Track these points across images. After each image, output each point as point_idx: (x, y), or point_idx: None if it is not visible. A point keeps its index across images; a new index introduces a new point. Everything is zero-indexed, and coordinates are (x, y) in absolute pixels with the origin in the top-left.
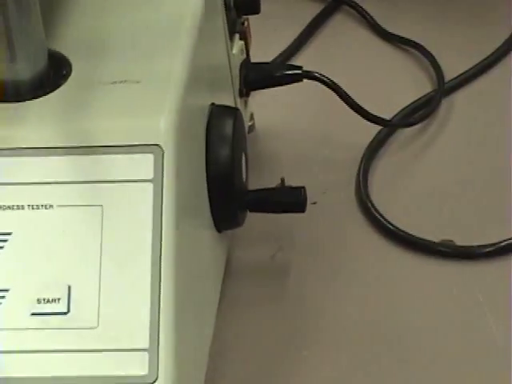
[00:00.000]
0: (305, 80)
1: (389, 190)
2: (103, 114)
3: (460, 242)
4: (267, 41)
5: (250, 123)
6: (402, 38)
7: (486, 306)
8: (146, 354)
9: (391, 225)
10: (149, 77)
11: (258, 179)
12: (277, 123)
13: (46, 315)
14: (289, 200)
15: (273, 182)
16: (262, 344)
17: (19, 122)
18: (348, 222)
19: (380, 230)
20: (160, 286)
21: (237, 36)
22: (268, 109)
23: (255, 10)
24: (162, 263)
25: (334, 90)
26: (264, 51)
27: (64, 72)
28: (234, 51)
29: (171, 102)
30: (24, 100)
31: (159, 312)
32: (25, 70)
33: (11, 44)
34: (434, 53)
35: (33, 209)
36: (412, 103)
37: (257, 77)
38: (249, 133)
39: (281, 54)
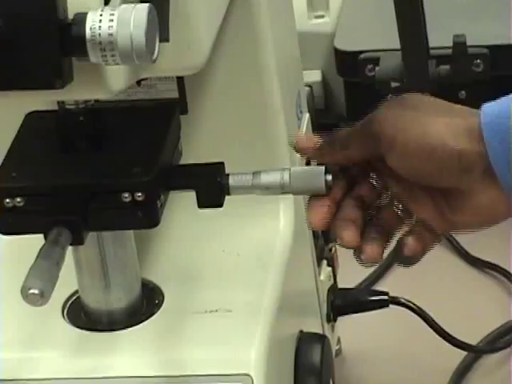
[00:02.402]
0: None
1: None
2: (194, 343)
3: None
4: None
5: (337, 347)
6: (487, 262)
7: None
8: None
9: None
10: (240, 306)
11: None
12: (363, 347)
13: None
14: None
15: None
16: None
17: (111, 351)
18: None
19: None
20: None
21: (324, 262)
22: (355, 333)
23: None
24: None
25: (420, 315)
26: (350, 275)
27: (157, 301)
28: (322, 277)
29: (261, 332)
30: (117, 329)
31: None
32: (119, 299)
33: (106, 274)
34: None
35: None
36: (497, 328)
37: (344, 302)
38: (336, 356)
39: (367, 279)
